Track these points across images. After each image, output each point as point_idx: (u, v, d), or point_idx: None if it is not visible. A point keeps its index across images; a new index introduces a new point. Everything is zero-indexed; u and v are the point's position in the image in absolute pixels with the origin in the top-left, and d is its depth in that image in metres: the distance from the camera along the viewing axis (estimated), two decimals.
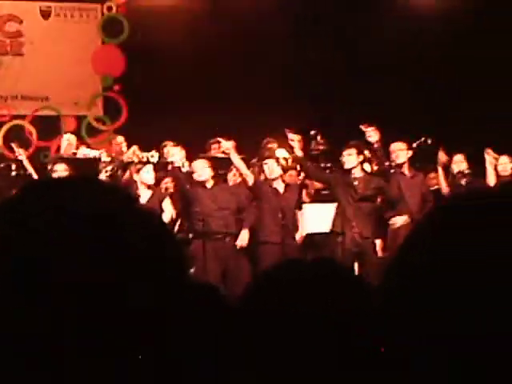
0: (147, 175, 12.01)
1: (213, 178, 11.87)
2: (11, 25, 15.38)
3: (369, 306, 2.04)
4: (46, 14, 15.50)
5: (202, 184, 11.74)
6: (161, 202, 11.83)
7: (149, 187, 11.93)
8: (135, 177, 11.92)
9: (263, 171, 12.13)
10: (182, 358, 1.70)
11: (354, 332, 1.97)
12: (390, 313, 1.33)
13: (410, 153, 12.19)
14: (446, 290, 1.20)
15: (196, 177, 11.74)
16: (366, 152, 12.09)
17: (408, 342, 1.26)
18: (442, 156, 12.12)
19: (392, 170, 12.26)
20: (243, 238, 11.68)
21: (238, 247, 11.81)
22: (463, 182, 12.10)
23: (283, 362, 1.89)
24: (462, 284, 1.19)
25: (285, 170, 12.39)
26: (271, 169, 11.89)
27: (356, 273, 10.43)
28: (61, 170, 11.95)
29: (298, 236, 12.12)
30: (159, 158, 12.31)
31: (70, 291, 1.38)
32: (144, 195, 11.60)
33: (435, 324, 1.21)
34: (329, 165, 12.60)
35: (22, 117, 15.27)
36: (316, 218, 12.32)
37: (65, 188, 1.50)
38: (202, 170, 11.77)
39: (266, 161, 12.08)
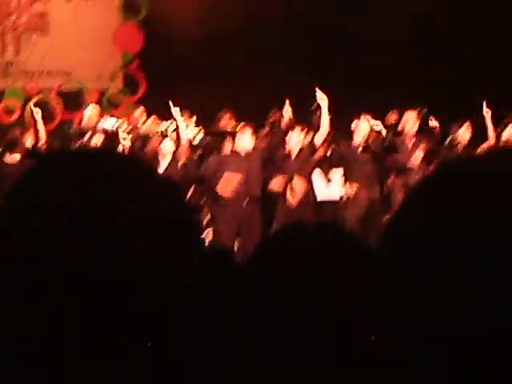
0: (167, 145, 12.37)
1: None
2: (38, 6, 15.94)
3: (371, 269, 2.01)
4: None
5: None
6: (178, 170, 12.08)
7: (167, 156, 12.29)
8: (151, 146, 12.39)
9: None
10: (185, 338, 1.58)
11: (357, 295, 1.99)
12: (384, 278, 1.36)
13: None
14: (438, 254, 1.21)
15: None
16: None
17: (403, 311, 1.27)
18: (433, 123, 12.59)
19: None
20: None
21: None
22: (457, 148, 12.26)
23: (291, 324, 1.89)
24: (456, 249, 1.20)
25: None
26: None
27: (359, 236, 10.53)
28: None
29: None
30: (175, 128, 12.48)
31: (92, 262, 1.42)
32: (163, 164, 12.04)
33: (429, 290, 1.22)
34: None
35: (49, 90, 15.68)
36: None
37: (87, 159, 1.55)
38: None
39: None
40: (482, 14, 15.27)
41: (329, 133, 12.40)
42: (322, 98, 12.11)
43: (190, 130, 13.01)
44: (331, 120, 12.19)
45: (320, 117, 12.33)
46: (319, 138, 12.22)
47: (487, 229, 1.15)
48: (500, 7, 15.07)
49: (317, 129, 12.32)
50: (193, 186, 12.21)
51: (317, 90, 12.01)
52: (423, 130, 12.78)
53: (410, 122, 12.45)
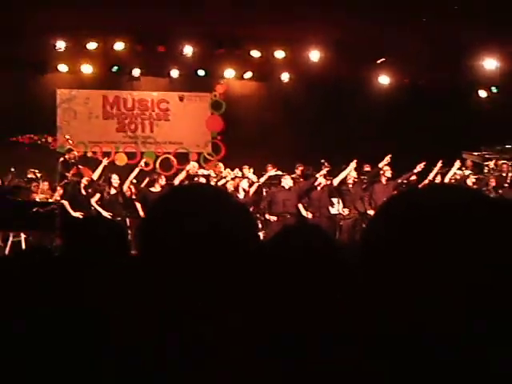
0: (244, 184, 15.01)
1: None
2: (163, 104, 19.59)
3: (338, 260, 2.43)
4: (181, 98, 19.60)
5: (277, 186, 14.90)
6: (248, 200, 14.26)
7: (244, 190, 14.97)
8: (230, 185, 14.89)
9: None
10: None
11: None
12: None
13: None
14: (396, 270, 1.27)
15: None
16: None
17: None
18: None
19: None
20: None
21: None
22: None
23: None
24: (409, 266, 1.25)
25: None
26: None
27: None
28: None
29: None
30: (241, 175, 15.87)
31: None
32: (241, 195, 14.63)
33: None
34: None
35: (169, 153, 19.35)
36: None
37: (196, 190, 1.87)
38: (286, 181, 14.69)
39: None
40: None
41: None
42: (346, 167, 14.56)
43: (251, 175, 15.80)
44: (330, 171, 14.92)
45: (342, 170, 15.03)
46: (336, 180, 14.92)
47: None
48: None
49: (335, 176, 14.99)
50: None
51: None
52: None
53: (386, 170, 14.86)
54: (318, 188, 14.92)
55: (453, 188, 1.42)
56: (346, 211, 15.12)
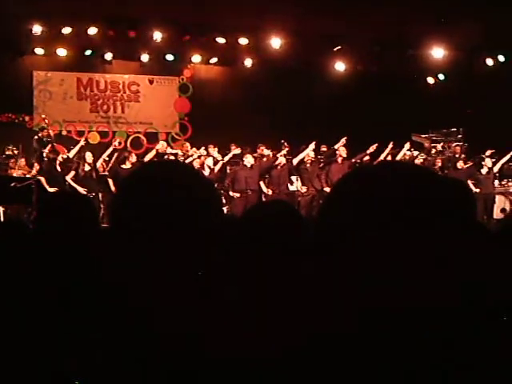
0: (209, 162, 15.44)
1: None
2: (134, 87, 19.72)
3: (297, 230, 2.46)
4: (151, 81, 19.70)
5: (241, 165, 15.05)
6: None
7: (209, 168, 15.31)
8: (196, 163, 14.91)
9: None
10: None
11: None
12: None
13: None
14: (356, 248, 1.24)
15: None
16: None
17: None
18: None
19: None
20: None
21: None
22: None
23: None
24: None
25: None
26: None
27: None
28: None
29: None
30: (207, 153, 15.99)
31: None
32: (206, 172, 14.65)
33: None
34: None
35: (139, 132, 19.39)
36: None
37: (166, 166, 1.85)
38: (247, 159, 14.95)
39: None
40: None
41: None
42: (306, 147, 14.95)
43: (216, 154, 15.99)
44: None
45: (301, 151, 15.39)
46: (296, 160, 15.26)
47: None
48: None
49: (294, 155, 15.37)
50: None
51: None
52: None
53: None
54: (278, 167, 15.16)
55: (400, 164, 1.44)
56: (304, 188, 15.40)
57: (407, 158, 16.23)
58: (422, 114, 17.87)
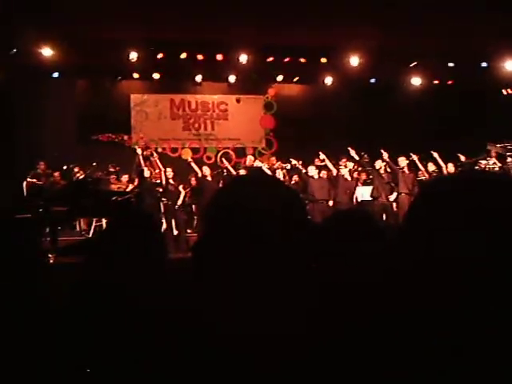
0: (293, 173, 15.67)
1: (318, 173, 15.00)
2: (223, 106, 19.98)
3: (380, 239, 2.34)
4: (238, 100, 19.97)
5: (312, 177, 15.03)
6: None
7: (294, 179, 15.58)
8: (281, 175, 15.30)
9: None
10: None
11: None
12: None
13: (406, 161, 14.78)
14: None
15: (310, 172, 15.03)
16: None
17: None
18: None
19: (400, 171, 14.83)
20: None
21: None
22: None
23: None
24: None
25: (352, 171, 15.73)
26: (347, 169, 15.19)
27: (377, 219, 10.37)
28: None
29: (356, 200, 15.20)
30: (291, 166, 16.07)
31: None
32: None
33: None
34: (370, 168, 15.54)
35: (228, 148, 19.73)
36: (364, 193, 15.42)
37: (254, 181, 1.73)
38: (313, 171, 15.06)
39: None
40: None
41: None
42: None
43: (300, 166, 15.65)
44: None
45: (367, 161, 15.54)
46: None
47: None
48: None
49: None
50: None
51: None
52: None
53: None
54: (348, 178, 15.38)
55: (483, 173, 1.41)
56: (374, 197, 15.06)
57: (482, 166, 15.91)
58: (497, 124, 17.37)
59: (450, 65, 17.74)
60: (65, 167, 16.05)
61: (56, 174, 15.72)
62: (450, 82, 18.98)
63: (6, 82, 16.18)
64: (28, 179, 15.17)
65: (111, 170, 16.14)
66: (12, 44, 15.37)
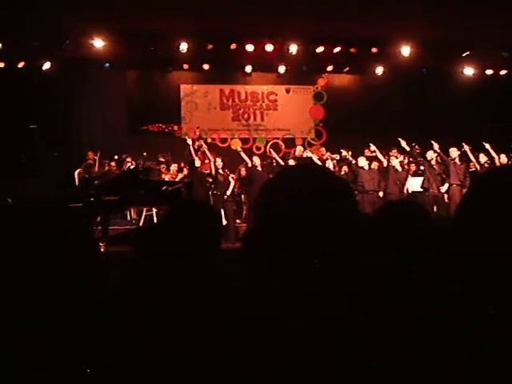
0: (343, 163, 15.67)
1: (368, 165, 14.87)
2: (272, 96, 20.02)
3: (429, 228, 2.39)
4: (287, 91, 19.98)
5: (362, 168, 14.91)
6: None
7: (344, 170, 15.45)
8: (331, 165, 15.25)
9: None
10: None
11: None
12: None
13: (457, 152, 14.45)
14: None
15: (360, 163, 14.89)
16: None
17: None
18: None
19: (452, 162, 14.48)
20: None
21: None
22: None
23: None
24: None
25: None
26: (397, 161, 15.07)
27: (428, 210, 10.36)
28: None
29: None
30: (340, 157, 16.16)
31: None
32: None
33: None
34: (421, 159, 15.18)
35: (277, 138, 19.75)
36: (415, 184, 15.20)
37: (305, 172, 1.71)
38: (363, 162, 14.94)
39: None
40: None
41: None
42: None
43: (350, 157, 15.52)
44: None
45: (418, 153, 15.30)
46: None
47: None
48: None
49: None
50: None
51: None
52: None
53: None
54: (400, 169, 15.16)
55: None
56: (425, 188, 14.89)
57: None
58: None
59: (504, 54, 17.50)
60: (116, 157, 16.21)
61: (112, 163, 15.96)
62: (503, 72, 18.76)
63: (59, 73, 16.42)
64: (80, 169, 15.39)
65: (161, 159, 16.23)
66: (64, 35, 15.59)
